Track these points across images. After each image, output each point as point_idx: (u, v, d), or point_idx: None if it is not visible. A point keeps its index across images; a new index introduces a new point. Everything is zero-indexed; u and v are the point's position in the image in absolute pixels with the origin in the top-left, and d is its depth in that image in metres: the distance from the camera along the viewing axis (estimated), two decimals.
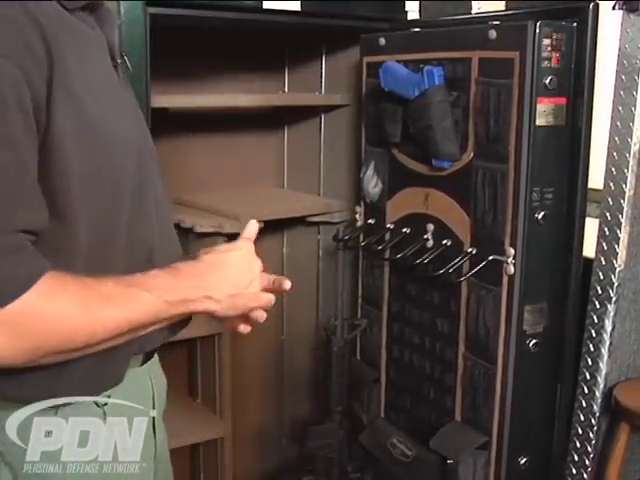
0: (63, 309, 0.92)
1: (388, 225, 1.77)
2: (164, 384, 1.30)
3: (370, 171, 1.81)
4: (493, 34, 1.43)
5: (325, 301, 2.15)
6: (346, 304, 2.03)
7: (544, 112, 1.39)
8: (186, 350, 2.16)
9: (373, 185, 1.81)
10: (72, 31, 0.94)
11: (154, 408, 1.25)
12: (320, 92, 2.06)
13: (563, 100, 1.41)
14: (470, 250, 1.52)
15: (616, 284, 1.49)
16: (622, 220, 1.47)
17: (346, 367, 1.88)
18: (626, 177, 1.47)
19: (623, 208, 1.46)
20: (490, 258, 1.46)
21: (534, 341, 1.46)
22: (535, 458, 1.51)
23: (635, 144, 1.76)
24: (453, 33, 1.55)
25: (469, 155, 1.51)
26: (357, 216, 1.91)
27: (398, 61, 1.68)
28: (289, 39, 2.01)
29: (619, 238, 1.48)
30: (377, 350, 1.86)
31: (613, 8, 1.52)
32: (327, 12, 1.89)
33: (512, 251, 1.43)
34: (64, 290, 0.91)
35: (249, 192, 2.10)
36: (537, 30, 1.35)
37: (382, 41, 1.76)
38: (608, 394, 1.59)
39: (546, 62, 1.37)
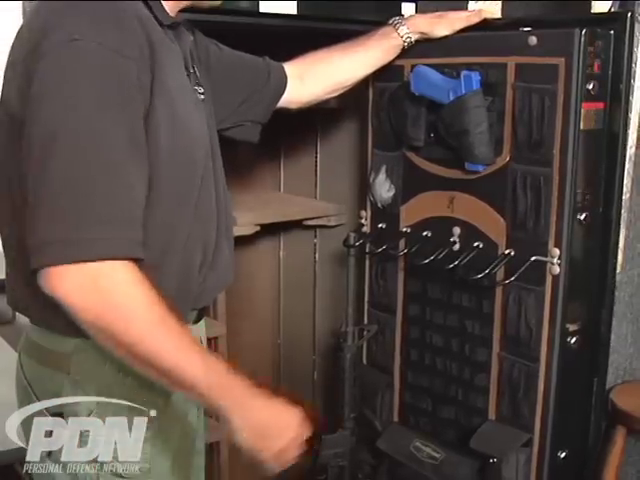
0: (134, 297, 1.01)
1: (404, 229, 1.79)
2: None
3: (382, 175, 1.81)
4: (533, 40, 1.46)
5: (321, 305, 2.14)
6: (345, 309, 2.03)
7: (586, 117, 1.44)
8: None
9: (386, 189, 1.81)
10: (163, 42, 1.11)
11: None
12: None
13: (601, 105, 1.46)
14: (508, 252, 1.55)
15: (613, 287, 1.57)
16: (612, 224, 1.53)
17: (358, 374, 1.87)
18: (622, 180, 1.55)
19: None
20: (532, 259, 1.50)
21: (575, 337, 1.51)
22: (573, 451, 1.56)
23: (630, 147, 1.86)
24: (483, 38, 1.57)
25: (504, 159, 1.54)
26: (363, 221, 1.91)
27: (413, 66, 1.70)
28: (285, 42, 1.98)
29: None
30: (389, 355, 1.87)
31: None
32: (323, 15, 1.88)
33: (557, 251, 1.47)
34: (148, 288, 1.01)
35: (246, 196, 2.06)
36: (582, 37, 1.40)
37: None
38: (605, 397, 1.66)
39: (589, 68, 1.43)
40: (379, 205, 1.84)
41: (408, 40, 1.62)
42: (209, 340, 2.02)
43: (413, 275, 1.79)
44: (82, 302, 0.98)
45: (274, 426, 1.14)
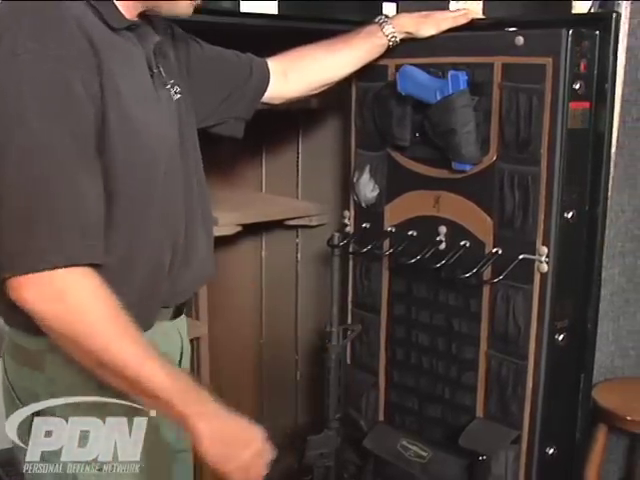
0: (95, 306, 1.04)
1: (388, 229, 1.79)
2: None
3: (366, 175, 1.81)
4: (520, 40, 1.47)
5: (304, 305, 2.14)
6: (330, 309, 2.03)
7: (573, 116, 1.46)
8: None
9: (370, 189, 1.81)
10: (115, 45, 1.12)
11: (181, 359, 1.37)
12: None
13: (587, 105, 1.48)
14: (495, 250, 1.56)
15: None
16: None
17: (343, 374, 1.87)
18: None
19: None
20: (520, 257, 1.51)
21: (562, 335, 1.52)
22: (561, 447, 1.58)
23: (611, 147, 1.88)
24: (468, 38, 1.58)
25: (491, 158, 1.55)
26: (346, 220, 1.91)
27: (397, 65, 1.71)
28: (265, 42, 1.97)
29: None
30: (374, 354, 1.87)
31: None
32: (304, 15, 1.88)
33: (545, 250, 1.48)
34: (108, 296, 1.05)
35: (227, 196, 2.05)
36: (570, 37, 1.42)
37: None
38: None
39: (576, 68, 1.44)
40: (363, 205, 1.83)
41: (393, 39, 1.63)
42: (191, 341, 2.01)
43: (398, 274, 1.79)
44: (45, 311, 1.03)
45: (240, 437, 1.15)
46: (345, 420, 1.88)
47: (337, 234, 1.85)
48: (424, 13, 1.65)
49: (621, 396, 1.68)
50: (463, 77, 1.54)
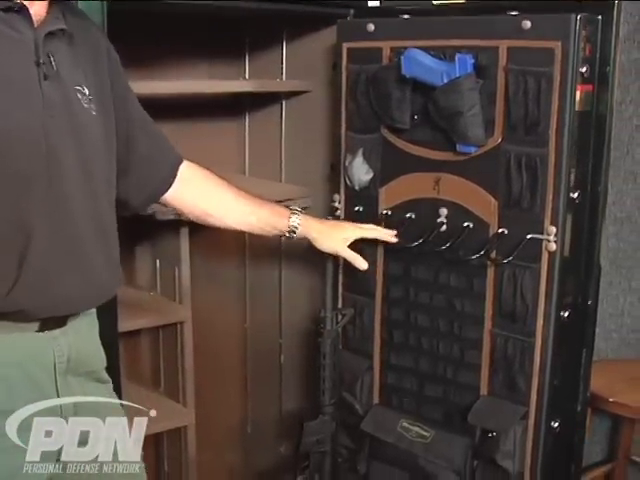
0: None
1: (384, 212, 1.79)
2: (90, 356, 1.33)
3: (359, 158, 1.81)
4: (527, 24, 1.49)
5: (287, 288, 2.13)
6: (320, 294, 2.02)
7: (580, 99, 1.50)
8: (149, 339, 2.12)
9: (365, 172, 1.81)
10: None
11: (56, 377, 1.24)
12: (281, 78, 2.01)
13: (590, 87, 1.52)
14: (501, 231, 1.59)
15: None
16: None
17: (337, 358, 1.87)
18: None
19: None
20: (528, 237, 1.55)
21: (568, 311, 1.57)
22: (564, 421, 1.63)
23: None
24: (472, 22, 1.59)
25: (496, 140, 1.57)
26: (336, 204, 1.90)
27: (393, 48, 1.71)
28: (249, 25, 1.94)
29: None
30: (368, 338, 1.88)
31: None
32: None
33: (554, 229, 1.52)
34: None
35: None
36: (578, 22, 1.45)
37: (371, 27, 1.75)
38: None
39: (582, 52, 1.48)
40: (356, 188, 1.83)
41: (291, 233, 1.65)
42: (175, 325, 1.98)
43: (394, 257, 1.79)
44: None
45: None
46: (339, 405, 1.89)
47: (330, 219, 1.85)
48: (334, 223, 1.76)
49: (604, 378, 1.73)
50: (470, 60, 1.55)
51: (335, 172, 1.91)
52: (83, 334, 1.29)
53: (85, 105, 1.20)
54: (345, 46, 1.82)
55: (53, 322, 1.22)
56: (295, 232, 1.64)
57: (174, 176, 1.48)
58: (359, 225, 1.74)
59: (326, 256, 1.78)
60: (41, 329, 1.21)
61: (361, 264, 1.71)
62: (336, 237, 1.69)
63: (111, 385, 1.39)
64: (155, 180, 1.46)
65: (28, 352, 1.20)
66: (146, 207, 1.52)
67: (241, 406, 2.30)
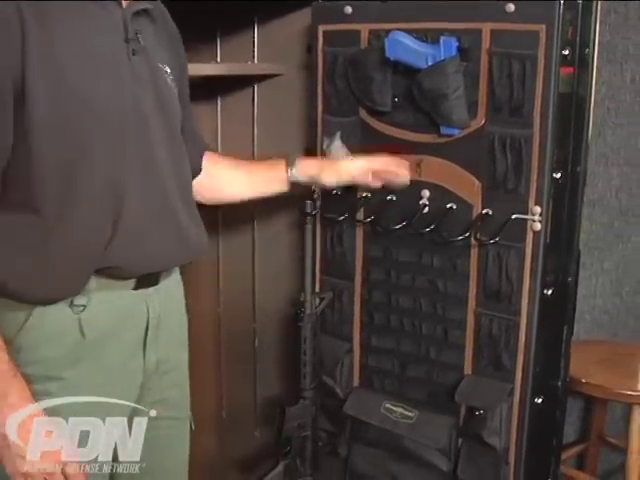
0: None
1: (364, 194, 1.80)
2: (179, 318, 1.48)
3: (338, 142, 1.80)
4: (511, 7, 1.51)
5: (260, 272, 2.11)
6: (294, 278, 2.02)
7: (562, 81, 1.53)
8: None
9: (344, 155, 1.80)
10: (68, 9, 1.16)
11: (147, 333, 1.35)
12: (253, 61, 1.98)
13: (572, 70, 1.55)
14: (485, 211, 1.61)
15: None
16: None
17: (317, 342, 1.87)
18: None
19: None
20: (513, 217, 1.57)
21: (551, 289, 1.61)
22: (547, 396, 1.67)
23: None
24: (454, 5, 1.60)
25: (479, 122, 1.59)
26: (313, 187, 1.89)
27: (372, 30, 1.71)
28: (221, 7, 1.90)
29: None
30: (348, 321, 1.88)
31: None
32: None
33: (538, 209, 1.55)
34: None
35: None
36: (562, 5, 1.48)
37: (348, 9, 1.75)
38: None
39: (565, 35, 1.51)
40: None
41: (293, 179, 1.70)
42: None
43: (374, 239, 1.80)
44: None
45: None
46: (319, 388, 1.89)
47: (309, 202, 1.83)
48: (333, 160, 1.74)
49: (576, 359, 1.76)
50: (454, 43, 1.56)
51: (310, 156, 1.90)
52: (173, 293, 1.43)
53: (168, 81, 1.33)
54: (321, 29, 1.80)
55: (147, 280, 1.32)
56: (297, 179, 1.70)
57: (200, 168, 1.59)
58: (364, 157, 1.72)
59: (306, 241, 1.78)
60: (136, 287, 1.31)
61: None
62: (338, 169, 1.70)
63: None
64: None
65: (125, 311, 1.31)
66: None
67: (216, 391, 2.27)
